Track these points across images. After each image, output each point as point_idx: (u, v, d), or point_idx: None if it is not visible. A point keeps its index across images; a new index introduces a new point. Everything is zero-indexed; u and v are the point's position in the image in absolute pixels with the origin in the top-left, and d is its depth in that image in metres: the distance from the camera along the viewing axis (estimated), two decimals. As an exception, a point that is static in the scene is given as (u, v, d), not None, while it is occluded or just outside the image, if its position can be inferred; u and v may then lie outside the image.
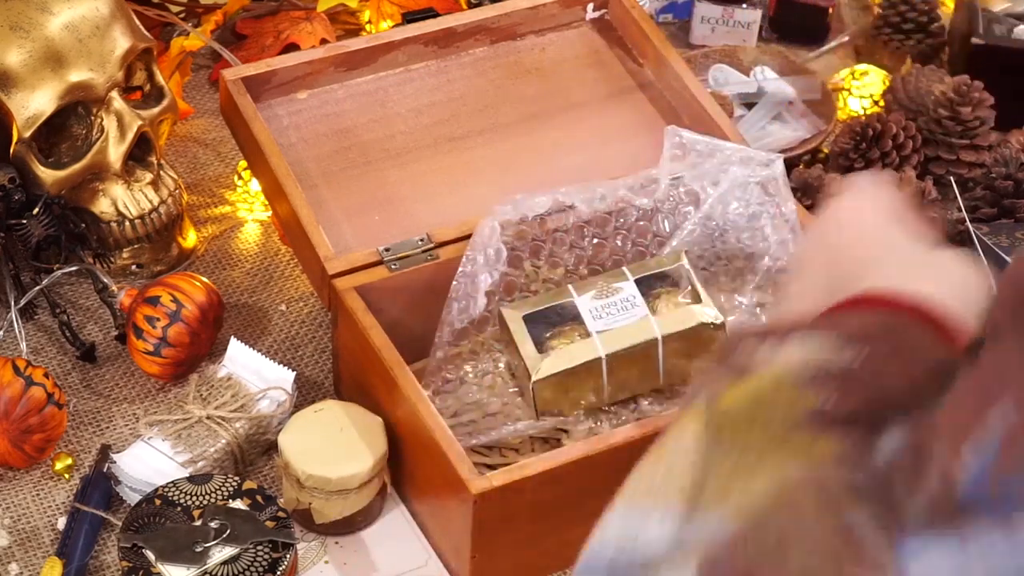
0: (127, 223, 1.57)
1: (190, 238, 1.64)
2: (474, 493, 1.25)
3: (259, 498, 1.31)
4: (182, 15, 1.88)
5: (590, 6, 1.67)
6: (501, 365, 1.43)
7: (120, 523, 1.31)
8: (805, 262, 0.99)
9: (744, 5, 1.92)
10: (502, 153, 1.57)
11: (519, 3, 1.64)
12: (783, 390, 0.78)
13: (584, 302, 1.41)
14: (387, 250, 1.44)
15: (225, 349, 1.47)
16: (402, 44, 1.60)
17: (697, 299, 1.43)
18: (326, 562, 1.35)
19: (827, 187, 1.62)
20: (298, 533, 1.35)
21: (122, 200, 1.57)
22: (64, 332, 1.53)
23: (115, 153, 1.55)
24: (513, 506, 1.28)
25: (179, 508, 1.30)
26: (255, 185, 1.66)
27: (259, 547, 1.27)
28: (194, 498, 1.31)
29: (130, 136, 1.55)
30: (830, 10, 1.96)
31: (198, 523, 1.29)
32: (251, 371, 1.45)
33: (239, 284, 1.61)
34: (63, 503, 1.39)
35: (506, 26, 1.64)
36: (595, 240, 1.48)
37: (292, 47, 1.82)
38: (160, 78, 1.61)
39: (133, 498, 1.37)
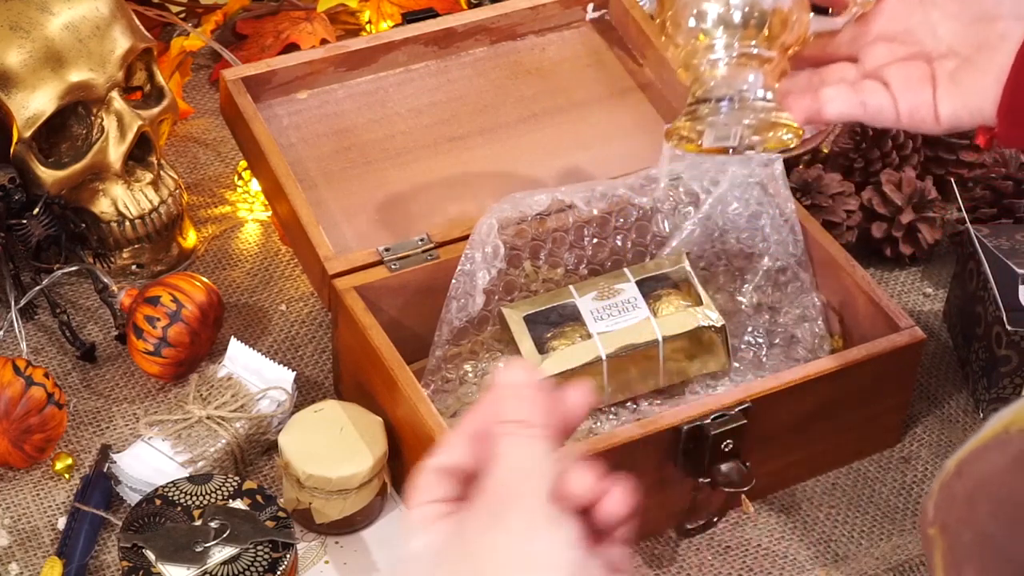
0: (127, 223, 1.57)
1: (190, 238, 1.64)
2: (474, 493, 1.25)
3: (259, 498, 1.31)
4: (182, 15, 1.88)
5: (590, 6, 1.67)
6: (501, 365, 1.43)
7: (120, 523, 1.31)
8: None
9: (744, 5, 1.91)
10: (502, 153, 1.57)
11: (519, 3, 1.64)
12: None
13: (585, 303, 1.41)
14: (387, 250, 1.44)
15: (225, 349, 1.48)
16: (402, 44, 1.60)
17: (698, 301, 1.43)
18: (326, 562, 1.35)
19: (827, 187, 1.62)
20: (298, 533, 1.35)
21: (122, 200, 1.57)
22: (64, 332, 1.53)
23: (115, 153, 1.55)
24: (513, 506, 1.28)
25: (179, 508, 1.30)
26: (255, 185, 1.66)
27: (259, 547, 1.27)
28: (194, 498, 1.31)
29: (130, 136, 1.55)
30: (830, 10, 1.95)
31: (198, 523, 1.29)
32: (251, 371, 1.46)
33: (239, 284, 1.61)
34: (63, 503, 1.39)
35: (506, 26, 1.64)
36: (595, 240, 1.48)
37: (292, 47, 1.82)
38: (160, 78, 1.61)
39: (133, 498, 1.37)
